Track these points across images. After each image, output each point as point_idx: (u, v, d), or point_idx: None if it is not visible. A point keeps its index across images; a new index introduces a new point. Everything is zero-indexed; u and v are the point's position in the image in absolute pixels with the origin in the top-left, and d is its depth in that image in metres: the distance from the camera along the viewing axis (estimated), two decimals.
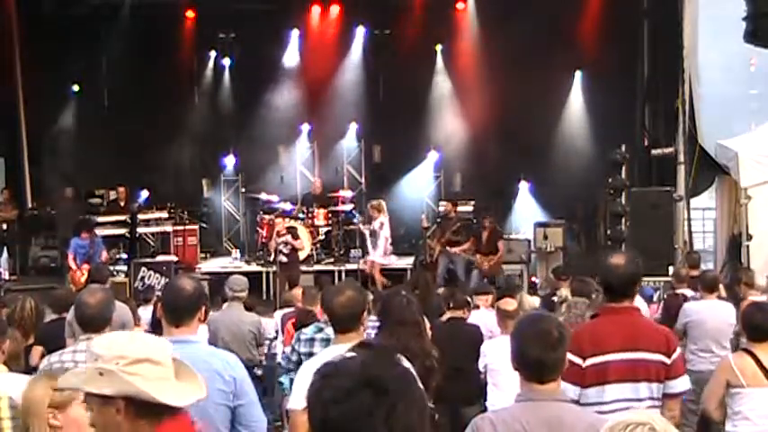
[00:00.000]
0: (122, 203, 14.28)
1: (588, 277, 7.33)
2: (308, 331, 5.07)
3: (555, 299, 7.64)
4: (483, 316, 7.03)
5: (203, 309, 3.52)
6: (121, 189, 14.34)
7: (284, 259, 11.98)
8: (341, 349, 3.40)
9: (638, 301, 5.34)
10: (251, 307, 8.39)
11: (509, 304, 5.95)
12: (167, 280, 10.58)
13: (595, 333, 3.69)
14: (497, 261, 12.90)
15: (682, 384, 3.68)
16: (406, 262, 13.96)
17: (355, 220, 13.20)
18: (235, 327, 6.83)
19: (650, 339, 3.67)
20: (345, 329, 3.55)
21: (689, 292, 7.93)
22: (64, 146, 15.56)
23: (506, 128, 14.08)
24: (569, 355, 3.24)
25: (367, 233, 12.94)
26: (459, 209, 14.00)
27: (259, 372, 6.88)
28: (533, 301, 7.09)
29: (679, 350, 3.76)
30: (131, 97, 14.96)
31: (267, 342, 7.51)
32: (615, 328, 3.67)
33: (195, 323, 3.42)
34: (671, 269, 10.76)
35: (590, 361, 3.58)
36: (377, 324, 4.45)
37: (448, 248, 12.88)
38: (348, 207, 14.12)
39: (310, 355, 4.69)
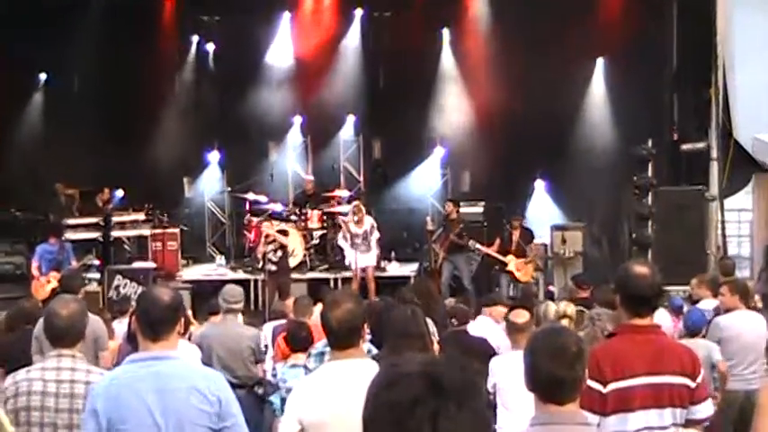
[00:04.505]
0: (100, 204, 14.29)
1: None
2: (319, 345, 5.07)
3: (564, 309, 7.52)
4: (489, 328, 7.04)
5: (182, 321, 3.57)
6: (106, 190, 14.36)
7: (273, 267, 11.95)
8: (339, 366, 3.47)
9: (660, 314, 5.31)
10: None
11: (519, 316, 5.91)
12: (143, 289, 10.58)
13: (617, 355, 3.65)
14: (530, 265, 12.87)
15: (705, 409, 3.71)
16: (409, 269, 13.98)
17: (346, 219, 13.16)
18: (231, 342, 6.82)
19: (675, 361, 3.68)
20: (344, 345, 3.54)
21: (710, 302, 7.88)
22: (29, 140, 15.60)
23: (520, 121, 14.08)
24: (589, 382, 3.22)
25: (349, 236, 12.83)
26: (468, 210, 14.02)
27: (260, 390, 6.86)
28: (568, 310, 7.01)
29: (703, 372, 3.79)
30: (105, 87, 15.01)
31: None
32: (639, 348, 3.66)
33: (174, 337, 3.44)
34: None
35: (612, 386, 3.57)
36: (370, 338, 4.47)
37: (477, 246, 12.73)
38: (345, 208, 14.10)
39: None
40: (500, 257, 12.74)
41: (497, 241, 12.85)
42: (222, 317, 7.02)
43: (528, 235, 13.01)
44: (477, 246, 12.76)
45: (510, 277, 12.71)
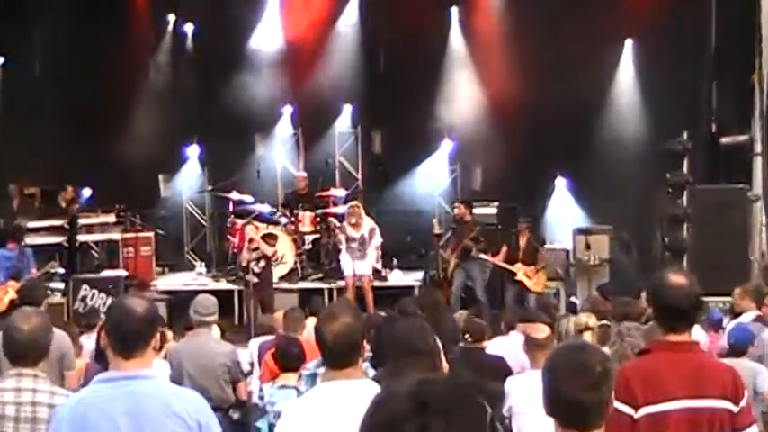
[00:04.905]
0: (64, 205, 14.29)
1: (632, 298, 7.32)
2: (310, 366, 5.09)
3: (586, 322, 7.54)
4: (513, 344, 7.03)
5: (158, 335, 3.56)
6: (69, 189, 14.34)
7: (255, 279, 11.93)
8: (335, 388, 3.48)
9: (694, 330, 5.30)
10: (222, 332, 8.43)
11: (539, 330, 5.92)
12: (114, 300, 10.58)
13: (650, 375, 3.65)
14: (541, 273, 12.90)
15: None
16: (414, 278, 13.98)
17: (342, 224, 13.17)
18: (204, 358, 6.83)
19: (716, 382, 3.66)
20: (341, 364, 3.55)
21: (752, 314, 7.87)
22: None
23: (538, 111, 14.07)
24: (619, 405, 3.23)
25: (344, 239, 12.84)
26: (480, 211, 14.01)
27: (235, 415, 6.91)
28: (590, 322, 7.03)
29: (747, 394, 3.78)
30: (69, 71, 15.01)
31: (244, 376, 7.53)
32: (674, 368, 3.65)
33: (150, 353, 3.43)
34: None
35: (644, 410, 3.56)
36: (369, 355, 4.44)
37: (482, 256, 12.76)
38: (341, 209, 14.12)
39: None
40: (508, 267, 12.79)
41: (504, 249, 12.91)
42: (194, 331, 7.04)
43: (537, 239, 13.03)
44: (482, 255, 12.81)
45: (520, 287, 12.74)
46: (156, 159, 15.67)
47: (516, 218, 13.60)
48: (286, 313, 8.09)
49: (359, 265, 12.72)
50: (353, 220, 12.86)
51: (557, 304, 12.46)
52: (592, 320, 7.00)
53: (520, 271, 12.74)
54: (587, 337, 6.80)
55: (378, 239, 12.99)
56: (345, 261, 12.89)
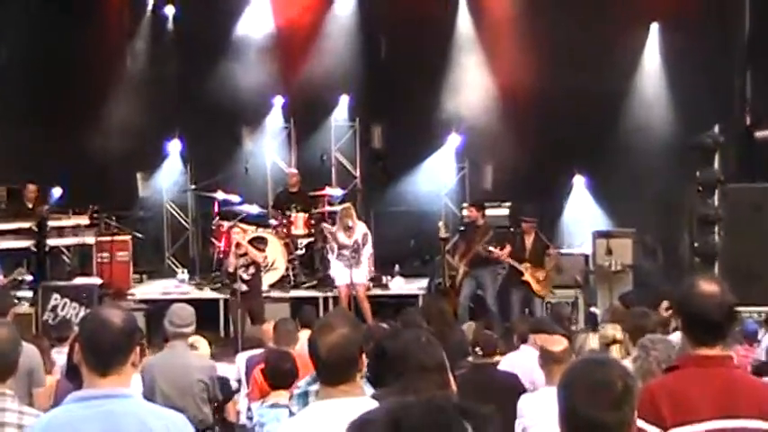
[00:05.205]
0: (30, 205, 14.28)
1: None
2: (301, 384, 5.10)
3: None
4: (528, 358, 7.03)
5: (138, 349, 3.51)
6: (32, 187, 14.33)
7: (243, 287, 11.91)
8: (330, 407, 3.48)
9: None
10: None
11: (556, 343, 5.92)
12: (88, 311, 10.59)
13: (679, 393, 3.64)
14: (548, 277, 12.89)
15: None
16: (417, 286, 13.96)
17: (333, 229, 13.15)
18: (179, 374, 6.81)
19: (752, 401, 3.64)
20: (337, 380, 3.55)
21: None
22: None
23: (555, 101, 14.06)
24: (643, 424, 3.23)
25: (336, 246, 12.82)
26: (491, 213, 13.91)
27: None
28: (617, 335, 7.06)
29: None
30: (38, 58, 14.99)
31: (226, 395, 7.52)
32: (706, 385, 3.64)
33: (128, 370, 3.41)
34: None
35: None
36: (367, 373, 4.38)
37: (490, 249, 12.71)
38: (337, 209, 14.13)
39: None
40: (517, 265, 12.72)
41: (507, 248, 12.82)
42: (169, 344, 7.01)
43: (543, 240, 12.98)
44: (490, 248, 12.73)
45: (526, 290, 12.68)
46: (133, 155, 15.62)
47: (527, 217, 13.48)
48: (276, 325, 8.06)
49: (354, 274, 12.65)
50: (350, 223, 12.84)
51: (571, 316, 12.43)
52: (619, 333, 6.99)
53: (527, 271, 12.73)
54: (615, 352, 6.80)
55: (370, 248, 12.98)
56: (338, 270, 12.88)
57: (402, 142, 15.25)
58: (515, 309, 12.61)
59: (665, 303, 8.88)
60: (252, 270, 12.11)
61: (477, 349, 6.99)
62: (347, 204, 13.47)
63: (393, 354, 4.23)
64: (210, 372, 7.01)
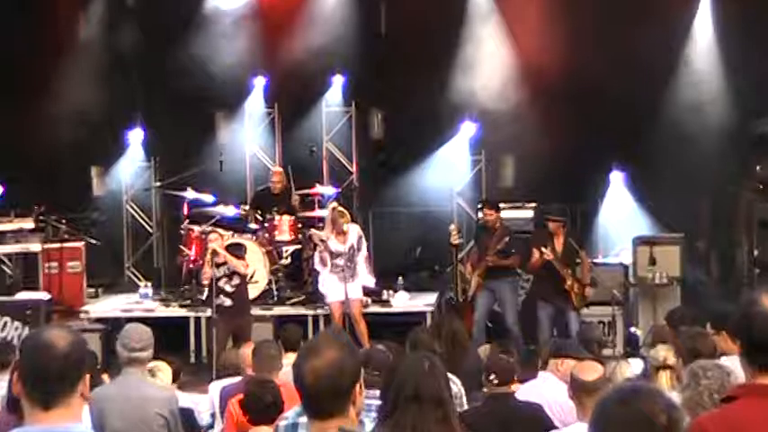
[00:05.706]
0: None
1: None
2: (289, 414, 5.10)
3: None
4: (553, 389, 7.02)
5: (87, 378, 3.50)
6: None
7: (228, 302, 11.95)
8: None
9: None
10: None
11: (590, 370, 5.99)
12: (30, 332, 10.57)
13: (737, 428, 3.69)
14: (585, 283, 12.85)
15: None
16: (425, 302, 13.96)
17: (323, 235, 13.01)
18: (133, 407, 6.83)
19: None
20: (325, 413, 3.52)
21: None
22: None
23: (587, 84, 14.12)
24: None
25: (327, 255, 12.71)
26: (510, 215, 14.05)
27: None
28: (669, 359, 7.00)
29: None
30: None
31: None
32: None
33: (76, 402, 3.44)
34: None
35: None
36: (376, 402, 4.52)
37: (542, 250, 12.62)
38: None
39: None
40: (562, 271, 12.60)
41: (517, 258, 12.96)
42: (123, 371, 7.06)
43: (573, 245, 12.93)
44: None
45: (561, 303, 12.60)
46: (86, 147, 15.75)
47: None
48: (256, 348, 8.07)
49: (349, 288, 12.63)
50: (345, 227, 12.76)
51: (603, 339, 12.30)
52: (672, 357, 6.96)
53: (569, 278, 12.58)
54: (664, 380, 6.78)
55: (365, 250, 12.95)
56: (330, 284, 12.83)
57: (406, 131, 15.45)
58: (544, 327, 12.60)
59: (709, 324, 8.82)
60: (236, 281, 12.11)
61: (492, 377, 6.99)
62: (335, 204, 13.33)
63: (386, 382, 4.21)
64: (171, 404, 7.01)
